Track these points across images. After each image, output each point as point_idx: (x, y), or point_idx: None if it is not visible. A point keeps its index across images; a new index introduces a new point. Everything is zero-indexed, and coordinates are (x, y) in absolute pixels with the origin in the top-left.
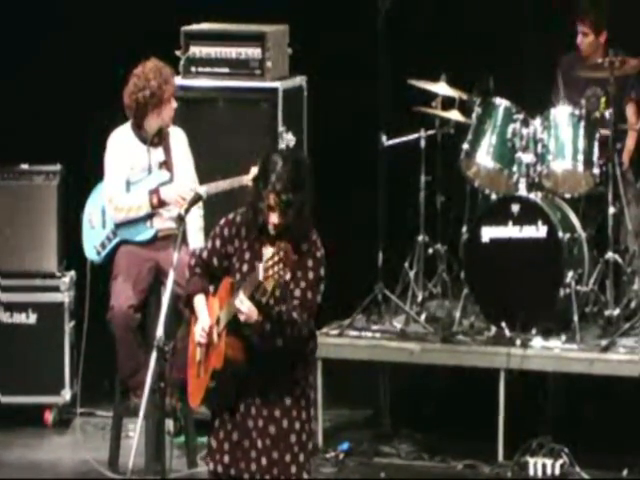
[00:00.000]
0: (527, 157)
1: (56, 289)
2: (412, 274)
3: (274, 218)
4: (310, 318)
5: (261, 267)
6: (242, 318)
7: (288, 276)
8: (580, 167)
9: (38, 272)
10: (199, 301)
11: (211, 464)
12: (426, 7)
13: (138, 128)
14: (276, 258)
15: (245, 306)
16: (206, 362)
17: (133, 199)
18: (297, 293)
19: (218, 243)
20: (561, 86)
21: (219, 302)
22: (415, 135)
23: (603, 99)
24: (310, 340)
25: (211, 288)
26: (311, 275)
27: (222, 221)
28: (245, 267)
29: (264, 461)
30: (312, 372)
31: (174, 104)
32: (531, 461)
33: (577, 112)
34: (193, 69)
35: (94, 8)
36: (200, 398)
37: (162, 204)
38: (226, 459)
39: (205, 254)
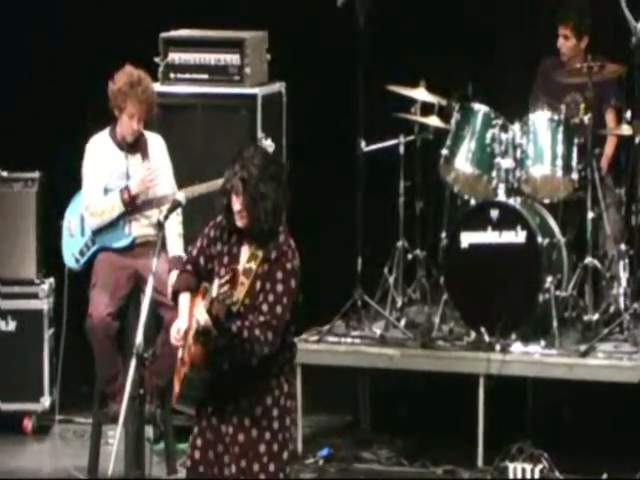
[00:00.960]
0: (506, 162)
1: (35, 296)
2: (391, 279)
3: (236, 205)
4: (276, 337)
5: (215, 284)
6: (199, 328)
7: (235, 298)
8: (559, 172)
9: (17, 279)
10: (182, 300)
11: (188, 461)
12: (405, 13)
13: (115, 134)
14: (227, 277)
15: (202, 318)
16: (182, 362)
17: (105, 201)
18: (264, 308)
19: (205, 243)
20: (540, 90)
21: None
22: (394, 141)
23: (582, 105)
24: (286, 350)
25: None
26: (280, 288)
27: (211, 222)
28: (222, 271)
29: (234, 469)
30: (290, 381)
31: (134, 124)
32: (511, 466)
33: (556, 117)
34: (172, 75)
35: (73, 16)
36: (177, 396)
37: (133, 199)
38: (200, 458)
39: (194, 252)
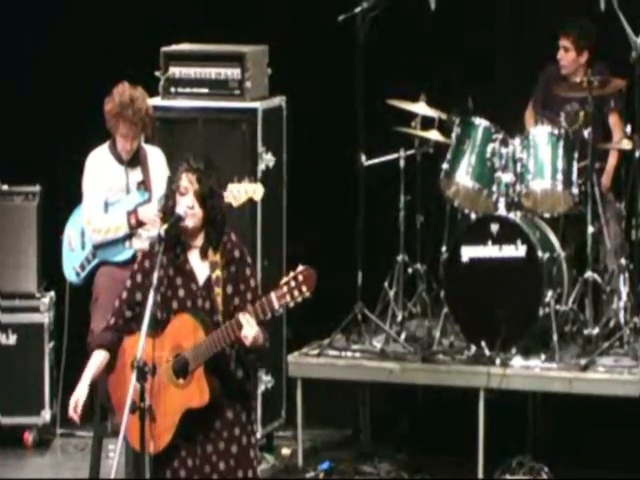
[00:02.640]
0: (506, 177)
1: (36, 310)
2: (392, 293)
3: (188, 201)
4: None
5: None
6: (248, 342)
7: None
8: (559, 186)
9: (18, 293)
10: (93, 359)
11: None
12: (406, 28)
13: (115, 148)
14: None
15: (254, 329)
16: (169, 404)
17: (111, 220)
18: (249, 308)
19: (139, 278)
20: (541, 96)
21: (175, 340)
22: (395, 155)
23: (581, 114)
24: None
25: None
26: (252, 283)
27: (139, 256)
28: (181, 292)
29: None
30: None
31: (127, 145)
32: (511, 479)
33: (556, 132)
34: (172, 89)
35: (73, 30)
36: (167, 440)
37: (140, 224)
38: None
39: (125, 295)
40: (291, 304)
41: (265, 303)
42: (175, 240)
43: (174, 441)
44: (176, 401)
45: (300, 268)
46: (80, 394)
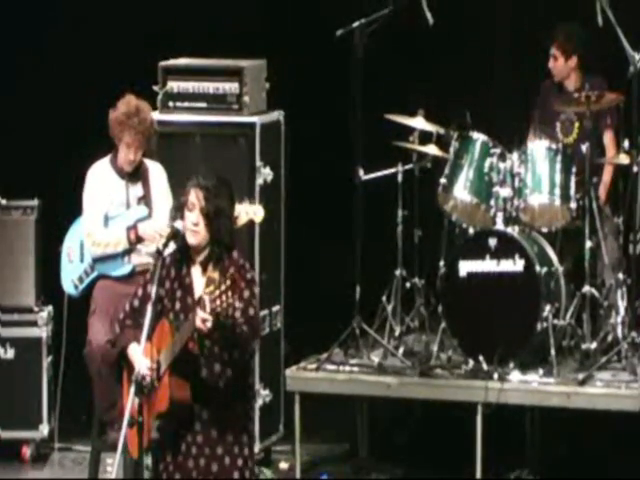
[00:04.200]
0: (504, 191)
1: (34, 324)
2: (390, 308)
3: (192, 217)
4: (255, 336)
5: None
6: (198, 323)
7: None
8: (557, 201)
9: (16, 307)
10: (134, 348)
11: None
12: (404, 43)
13: (116, 162)
14: (228, 283)
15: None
16: (147, 411)
17: (111, 235)
18: (237, 314)
19: (150, 287)
20: (538, 110)
21: (156, 346)
22: (392, 169)
23: (576, 124)
24: (249, 376)
25: None
26: (246, 294)
27: (151, 267)
28: (177, 305)
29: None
30: (251, 408)
31: (131, 155)
32: None
33: (554, 147)
34: (171, 104)
35: (72, 42)
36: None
37: (139, 240)
38: None
39: (136, 303)
40: (219, 308)
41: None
42: (183, 254)
43: (158, 449)
44: (152, 405)
45: (246, 266)
46: (148, 363)
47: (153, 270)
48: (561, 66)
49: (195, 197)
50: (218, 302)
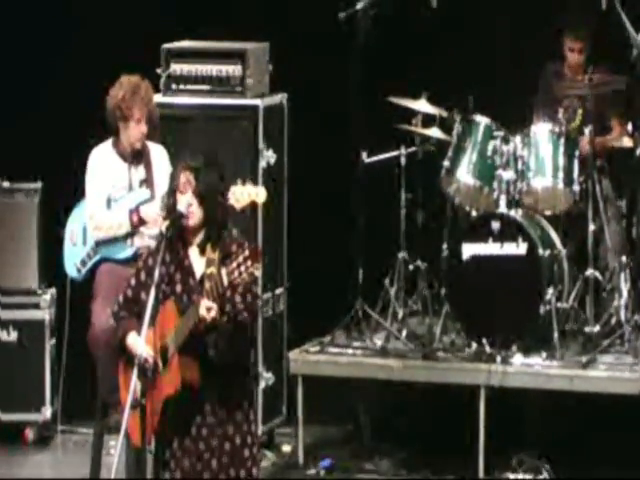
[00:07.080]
0: (507, 174)
1: (37, 306)
2: (393, 291)
3: (185, 199)
4: (254, 321)
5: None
6: (202, 312)
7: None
8: (560, 184)
9: (19, 289)
10: (133, 337)
11: None
12: (407, 25)
13: (118, 145)
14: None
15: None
16: (152, 396)
17: (113, 218)
18: (237, 299)
19: (143, 276)
20: (542, 95)
21: (160, 330)
22: (396, 152)
23: (580, 111)
24: (250, 354)
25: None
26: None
27: (144, 254)
28: (178, 287)
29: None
30: (255, 386)
31: (143, 128)
32: (512, 477)
33: (557, 129)
34: (174, 86)
35: (74, 28)
36: (154, 429)
37: (142, 223)
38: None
39: (130, 292)
40: (239, 280)
41: (218, 281)
42: (177, 237)
43: (164, 434)
44: (160, 389)
45: (245, 244)
46: (149, 351)
47: (153, 253)
48: (581, 61)
49: (186, 179)
50: (236, 273)
